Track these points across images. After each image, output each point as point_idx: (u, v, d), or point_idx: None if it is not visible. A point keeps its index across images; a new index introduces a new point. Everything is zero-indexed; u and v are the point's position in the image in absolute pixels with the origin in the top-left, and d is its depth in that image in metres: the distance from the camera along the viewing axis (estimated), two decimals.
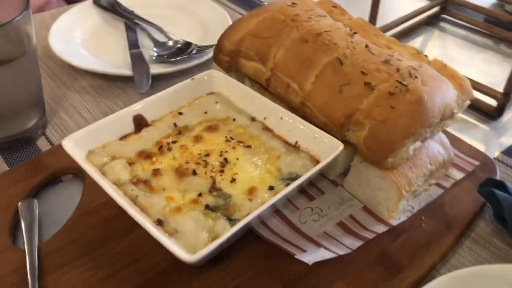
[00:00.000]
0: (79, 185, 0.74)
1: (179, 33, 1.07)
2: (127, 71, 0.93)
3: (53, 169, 0.74)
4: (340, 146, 0.64)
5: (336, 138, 0.66)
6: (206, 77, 0.76)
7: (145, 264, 0.61)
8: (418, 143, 0.66)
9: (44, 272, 0.60)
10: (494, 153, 0.82)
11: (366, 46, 0.70)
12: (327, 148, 0.65)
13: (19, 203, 0.68)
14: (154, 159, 0.65)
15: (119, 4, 1.15)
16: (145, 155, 0.65)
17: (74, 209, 0.68)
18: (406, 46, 0.74)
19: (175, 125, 0.71)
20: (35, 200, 0.69)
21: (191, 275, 0.60)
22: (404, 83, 0.64)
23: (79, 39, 1.05)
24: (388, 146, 0.62)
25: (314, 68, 0.69)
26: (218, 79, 0.76)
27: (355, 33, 0.74)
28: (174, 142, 0.68)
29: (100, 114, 0.87)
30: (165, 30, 1.08)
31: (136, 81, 0.89)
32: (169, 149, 0.67)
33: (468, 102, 0.71)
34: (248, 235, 0.64)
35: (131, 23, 1.09)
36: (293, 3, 0.78)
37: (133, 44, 1.02)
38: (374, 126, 0.63)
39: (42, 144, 0.81)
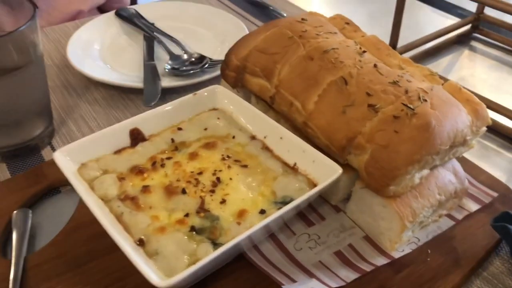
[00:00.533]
0: (76, 197, 0.73)
1: (198, 47, 1.05)
2: (138, 84, 0.92)
3: (52, 180, 0.73)
4: (339, 170, 0.60)
5: (338, 161, 0.63)
6: (207, 93, 0.74)
7: (129, 283, 0.59)
8: (425, 171, 0.62)
9: (28, 285, 0.59)
10: None
11: (375, 65, 0.67)
12: (326, 171, 0.61)
13: (14, 213, 0.68)
14: (145, 175, 0.63)
15: (140, 16, 1.16)
16: (136, 171, 0.64)
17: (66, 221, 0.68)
18: (419, 67, 0.70)
19: (172, 140, 0.69)
20: (30, 210, 0.68)
21: None
22: (410, 106, 0.60)
23: (97, 50, 1.05)
24: (389, 172, 0.58)
25: (318, 87, 0.66)
26: (222, 95, 0.74)
27: (364, 51, 0.70)
28: (168, 158, 0.66)
29: (107, 124, 0.86)
30: (183, 43, 1.07)
31: (145, 94, 0.88)
32: (162, 166, 0.65)
33: (484, 129, 0.66)
34: (239, 258, 0.61)
35: (150, 35, 1.09)
36: (302, 19, 0.75)
37: (149, 57, 1.01)
38: (375, 150, 0.59)
39: (47, 154, 0.80)
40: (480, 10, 1.38)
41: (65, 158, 0.62)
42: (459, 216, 0.68)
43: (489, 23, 1.23)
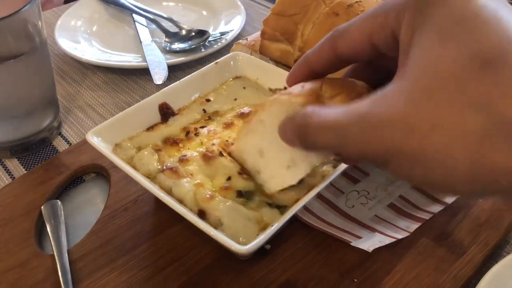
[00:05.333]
0: (103, 184, 0.69)
1: (188, 23, 1.01)
2: (142, 63, 0.88)
3: (74, 169, 0.69)
4: None
5: None
6: (229, 61, 0.71)
7: (188, 260, 0.56)
8: None
9: (77, 278, 0.55)
10: None
11: None
12: None
13: (42, 206, 0.63)
14: (181, 145, 0.60)
15: None
16: (171, 142, 0.60)
17: (101, 210, 0.64)
18: None
19: (204, 111, 0.66)
20: (59, 201, 0.64)
21: (238, 269, 0.56)
22: None
23: (86, 34, 1.00)
24: None
25: None
26: (243, 62, 0.71)
27: None
28: (202, 127, 0.62)
29: (117, 109, 0.82)
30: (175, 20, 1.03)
31: (153, 72, 0.84)
32: (197, 134, 0.61)
33: None
34: (293, 223, 0.60)
35: (139, 15, 1.04)
36: None
37: (145, 36, 0.97)
38: None
39: (59, 144, 0.76)
40: None
41: (98, 140, 0.58)
42: None
43: None
